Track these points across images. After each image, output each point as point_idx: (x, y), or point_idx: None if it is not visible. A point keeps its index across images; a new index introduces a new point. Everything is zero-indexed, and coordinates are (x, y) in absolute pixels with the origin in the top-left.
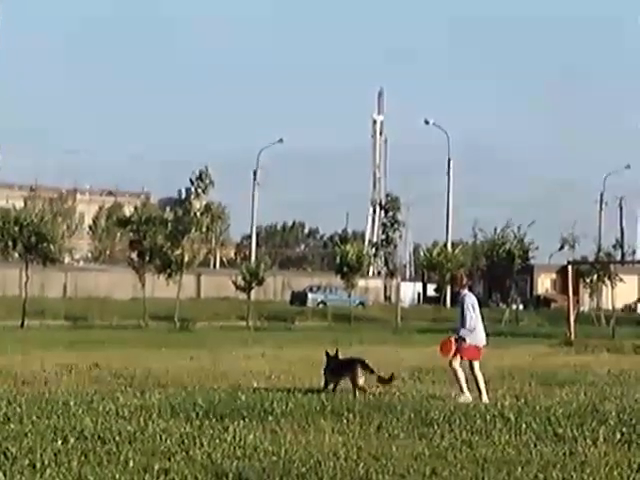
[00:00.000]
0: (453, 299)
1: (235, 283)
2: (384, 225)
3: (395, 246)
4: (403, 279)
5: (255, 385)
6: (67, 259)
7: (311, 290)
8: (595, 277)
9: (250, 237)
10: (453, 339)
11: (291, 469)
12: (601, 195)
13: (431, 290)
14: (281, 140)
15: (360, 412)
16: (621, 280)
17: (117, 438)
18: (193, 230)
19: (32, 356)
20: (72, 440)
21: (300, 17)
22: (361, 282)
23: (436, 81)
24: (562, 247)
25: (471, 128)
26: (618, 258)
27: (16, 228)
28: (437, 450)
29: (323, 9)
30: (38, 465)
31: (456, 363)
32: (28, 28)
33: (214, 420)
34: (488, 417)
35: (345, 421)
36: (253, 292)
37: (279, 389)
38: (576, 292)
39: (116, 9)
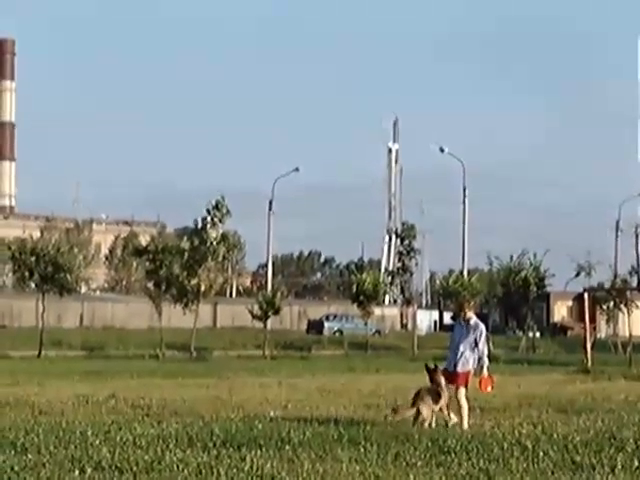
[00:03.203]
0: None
1: (251, 312)
2: (400, 253)
3: (411, 274)
4: (419, 307)
5: (272, 414)
6: (84, 289)
7: (327, 319)
8: (611, 304)
9: (266, 266)
10: (491, 375)
11: None
12: (617, 222)
13: (447, 318)
14: (297, 169)
15: (377, 441)
16: (637, 307)
17: (134, 468)
18: (209, 259)
19: (49, 386)
20: (89, 470)
21: (317, 50)
22: (377, 310)
23: (451, 110)
24: (578, 274)
25: (487, 157)
26: (634, 285)
27: (32, 258)
28: (454, 478)
29: (338, 39)
30: None
31: (462, 396)
32: (45, 60)
33: (231, 449)
34: (505, 445)
35: (362, 450)
36: (269, 321)
37: (296, 418)
38: (593, 319)
39: (132, 50)
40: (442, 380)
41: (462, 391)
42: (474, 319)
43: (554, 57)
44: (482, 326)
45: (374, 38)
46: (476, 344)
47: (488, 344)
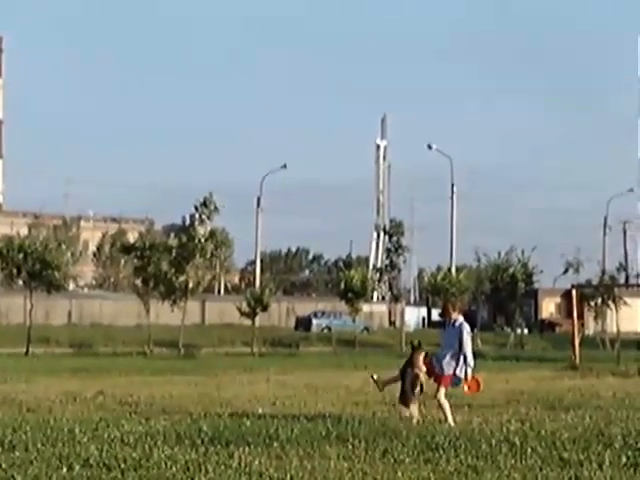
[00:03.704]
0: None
1: (239, 309)
2: (388, 250)
3: (399, 271)
4: (407, 304)
5: (260, 411)
6: (71, 286)
7: (315, 315)
8: (599, 301)
9: (254, 263)
10: (477, 378)
11: None
12: (605, 219)
13: (435, 315)
14: (285, 166)
15: (365, 438)
16: (625, 303)
17: (122, 465)
18: (197, 256)
19: (37, 383)
20: (77, 468)
21: (305, 46)
22: (365, 307)
23: (440, 107)
24: (566, 271)
25: (474, 154)
26: (622, 281)
27: (20, 255)
28: (443, 475)
29: (326, 37)
30: None
31: (441, 396)
32: (34, 56)
33: (219, 447)
34: (493, 442)
35: (350, 447)
36: (257, 318)
37: (284, 415)
38: (581, 316)
39: (122, 47)
40: (420, 363)
41: (442, 391)
42: (459, 320)
43: (553, 57)
44: (466, 327)
45: (365, 36)
46: (460, 345)
47: (474, 342)
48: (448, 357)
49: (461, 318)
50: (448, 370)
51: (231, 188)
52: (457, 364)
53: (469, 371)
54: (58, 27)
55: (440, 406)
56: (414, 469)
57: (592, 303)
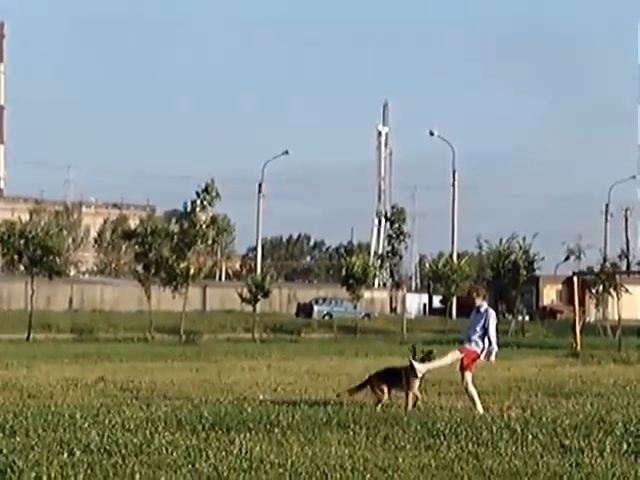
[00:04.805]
0: (461, 309)
1: (241, 295)
2: (389, 237)
3: (401, 257)
4: (409, 290)
5: (261, 397)
6: (73, 272)
7: (317, 302)
8: (601, 288)
9: (255, 249)
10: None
11: None
12: (606, 206)
13: (437, 301)
14: (286, 152)
15: (366, 424)
16: (627, 291)
17: (123, 451)
18: (199, 242)
19: (38, 369)
20: (78, 453)
21: (306, 32)
22: (367, 294)
23: (441, 94)
24: (568, 258)
25: (476, 141)
26: (624, 269)
27: (21, 241)
28: (443, 462)
29: (327, 23)
30: (44, 479)
31: (469, 384)
32: (35, 42)
33: (220, 432)
34: (494, 428)
35: (351, 433)
36: (259, 304)
37: (285, 401)
38: (582, 303)
39: (123, 34)
40: (416, 369)
41: (468, 376)
42: (484, 306)
43: (554, 44)
44: (491, 313)
45: (368, 23)
46: (485, 330)
47: (493, 330)
48: (476, 339)
49: (485, 304)
50: (473, 348)
51: (233, 174)
52: (481, 347)
53: (493, 355)
54: (60, 13)
55: (469, 395)
56: (415, 455)
57: (593, 290)
